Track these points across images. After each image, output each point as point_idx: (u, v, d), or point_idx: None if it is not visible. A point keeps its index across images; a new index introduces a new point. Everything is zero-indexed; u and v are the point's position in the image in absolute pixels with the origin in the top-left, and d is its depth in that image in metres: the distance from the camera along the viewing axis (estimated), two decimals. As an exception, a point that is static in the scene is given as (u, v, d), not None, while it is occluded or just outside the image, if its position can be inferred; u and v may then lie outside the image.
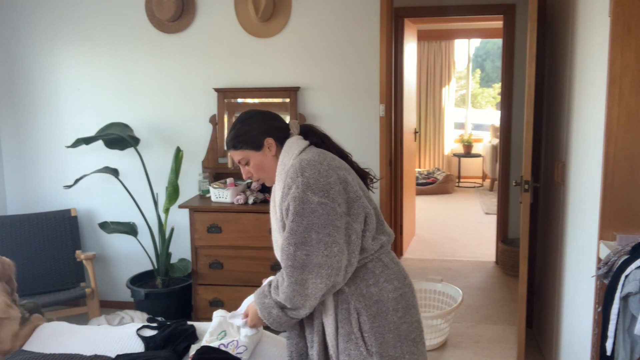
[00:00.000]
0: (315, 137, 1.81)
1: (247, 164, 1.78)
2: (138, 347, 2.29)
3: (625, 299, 1.67)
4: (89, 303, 3.67)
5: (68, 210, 3.95)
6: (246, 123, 1.78)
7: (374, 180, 1.86)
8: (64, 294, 3.64)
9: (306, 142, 1.76)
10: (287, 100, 3.76)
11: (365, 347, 1.64)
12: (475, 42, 9.46)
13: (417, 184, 7.87)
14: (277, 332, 1.98)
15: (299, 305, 1.60)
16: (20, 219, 3.83)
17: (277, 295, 1.63)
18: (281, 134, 1.79)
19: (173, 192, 3.58)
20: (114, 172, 3.72)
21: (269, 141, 1.76)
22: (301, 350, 1.77)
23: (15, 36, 4.01)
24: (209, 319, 2.52)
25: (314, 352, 1.71)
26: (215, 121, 3.83)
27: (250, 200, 3.52)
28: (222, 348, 2.11)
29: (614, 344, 1.70)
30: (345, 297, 1.66)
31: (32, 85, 4.05)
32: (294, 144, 1.74)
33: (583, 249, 2.40)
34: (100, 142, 3.72)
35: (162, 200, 3.75)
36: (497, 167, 5.56)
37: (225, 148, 1.76)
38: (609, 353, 1.71)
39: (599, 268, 1.89)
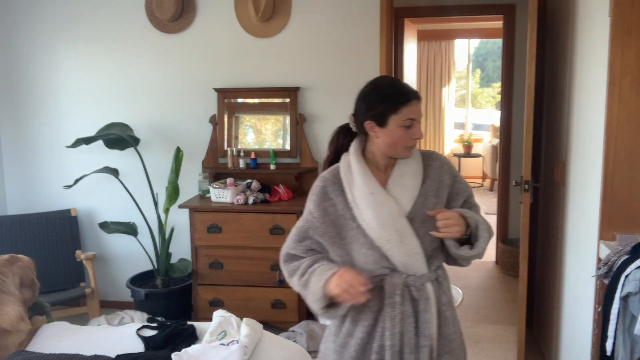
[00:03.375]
0: None
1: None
2: (138, 347, 2.29)
3: (625, 299, 1.67)
4: (89, 303, 3.67)
5: (68, 210, 3.95)
6: None
7: None
8: (64, 294, 3.64)
9: None
10: (287, 100, 3.76)
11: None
12: (475, 42, 9.46)
13: (417, 184, 7.84)
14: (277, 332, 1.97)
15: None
16: (20, 219, 3.83)
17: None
18: None
19: (173, 192, 3.58)
20: (114, 172, 3.72)
21: None
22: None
23: (16, 36, 4.01)
24: (209, 319, 2.52)
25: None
26: (215, 121, 3.83)
27: (250, 200, 3.52)
28: (222, 348, 2.11)
29: (614, 344, 1.70)
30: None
31: (32, 85, 4.05)
32: None
33: (583, 249, 2.40)
34: (100, 142, 3.72)
35: (162, 200, 3.75)
36: (497, 167, 5.56)
37: (409, 99, 1.56)
38: (609, 353, 1.71)
39: (599, 268, 1.89)
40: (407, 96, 1.58)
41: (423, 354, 1.58)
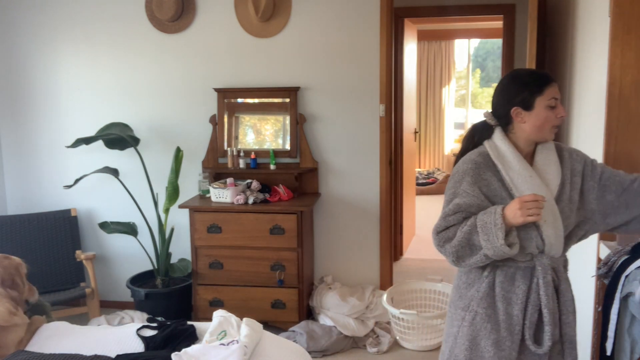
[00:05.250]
0: None
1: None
2: (138, 347, 2.29)
3: (625, 299, 1.67)
4: (89, 303, 3.67)
5: (68, 210, 3.95)
6: None
7: None
8: (64, 294, 3.64)
9: None
10: (287, 100, 3.76)
11: None
12: (475, 42, 9.45)
13: (417, 184, 7.86)
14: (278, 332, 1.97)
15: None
16: (20, 219, 3.83)
17: None
18: None
19: (173, 192, 3.58)
20: (114, 172, 3.72)
21: None
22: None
23: (16, 36, 4.01)
24: (209, 319, 2.52)
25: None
26: (215, 121, 3.83)
27: (250, 200, 3.52)
28: (222, 348, 2.11)
29: (614, 344, 1.70)
30: None
31: (32, 85, 4.05)
32: None
33: (583, 249, 2.40)
34: (100, 142, 3.72)
35: (162, 200, 3.75)
36: (497, 167, 5.54)
37: (549, 81, 1.70)
38: (609, 353, 1.71)
39: (599, 268, 1.89)
40: (547, 78, 1.71)
41: (571, 328, 1.73)
